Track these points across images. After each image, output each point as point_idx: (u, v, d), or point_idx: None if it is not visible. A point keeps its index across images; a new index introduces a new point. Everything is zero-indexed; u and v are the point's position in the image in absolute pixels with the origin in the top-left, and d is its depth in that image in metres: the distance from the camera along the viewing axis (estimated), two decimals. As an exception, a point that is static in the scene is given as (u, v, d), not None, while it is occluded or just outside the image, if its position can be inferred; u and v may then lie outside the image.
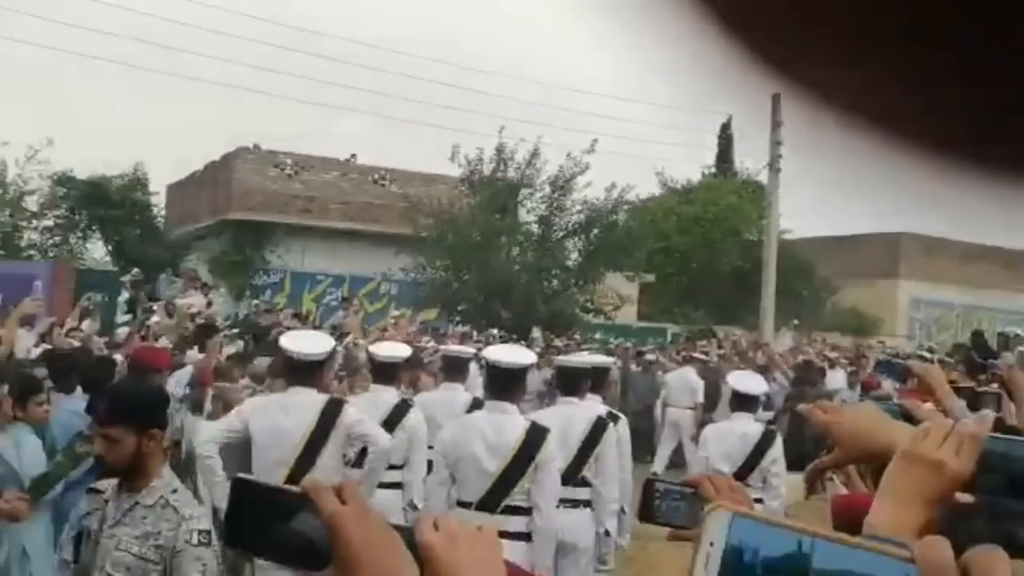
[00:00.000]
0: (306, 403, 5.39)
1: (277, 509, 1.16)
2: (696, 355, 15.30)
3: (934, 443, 1.50)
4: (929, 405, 3.32)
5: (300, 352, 5.51)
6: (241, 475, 1.21)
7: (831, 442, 1.86)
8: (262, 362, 8.26)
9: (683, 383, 14.05)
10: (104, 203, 27.40)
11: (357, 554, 1.12)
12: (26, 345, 7.13)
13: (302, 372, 5.49)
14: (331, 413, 5.40)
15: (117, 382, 4.17)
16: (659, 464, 14.12)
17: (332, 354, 6.05)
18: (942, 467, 1.47)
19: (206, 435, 5.54)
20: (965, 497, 1.50)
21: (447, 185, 24.90)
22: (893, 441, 1.70)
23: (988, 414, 3.26)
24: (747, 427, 6.84)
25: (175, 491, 3.62)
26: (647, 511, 1.96)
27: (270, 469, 5.13)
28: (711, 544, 1.12)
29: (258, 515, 1.15)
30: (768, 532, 1.14)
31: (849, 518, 1.85)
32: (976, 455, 1.49)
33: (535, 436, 5.20)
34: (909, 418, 3.06)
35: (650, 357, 16.89)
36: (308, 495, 1.15)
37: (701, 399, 13.90)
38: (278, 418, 5.34)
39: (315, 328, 15.31)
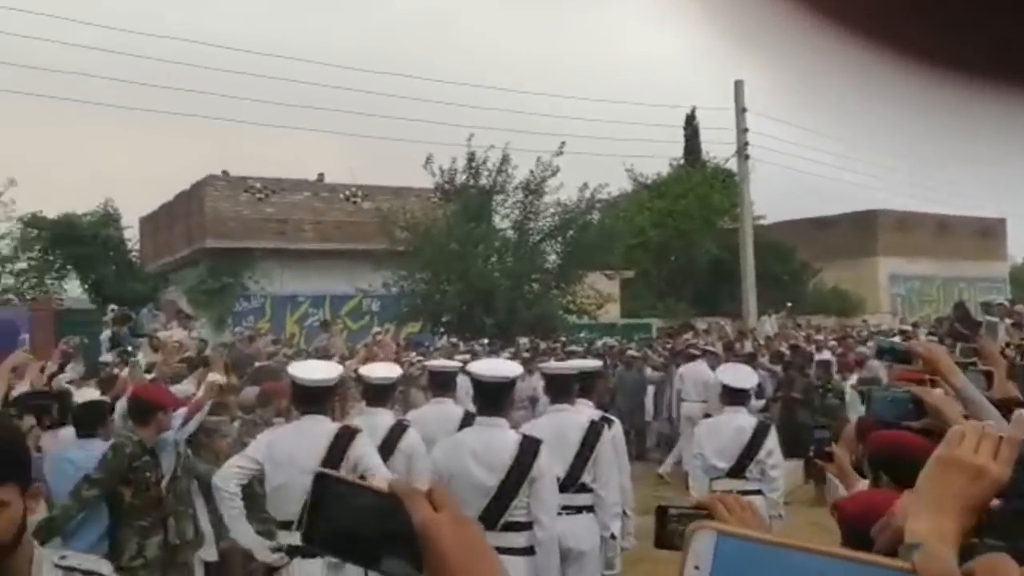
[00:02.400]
0: (319, 431, 5.44)
1: (361, 509, 1.12)
2: (709, 348, 15.27)
3: (970, 447, 1.46)
4: (939, 391, 3.24)
5: (311, 380, 5.56)
6: (323, 470, 1.16)
7: None
8: (250, 391, 8.20)
9: (695, 377, 14.00)
10: (76, 241, 27.23)
11: (452, 563, 1.08)
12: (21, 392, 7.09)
13: (313, 399, 5.55)
14: (342, 444, 5.40)
15: None
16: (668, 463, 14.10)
17: (341, 380, 6.12)
18: (983, 472, 1.43)
19: (225, 471, 5.51)
20: (993, 502, 1.46)
21: (418, 197, 24.85)
22: None
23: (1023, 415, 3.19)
24: (741, 421, 6.81)
25: (64, 556, 2.65)
26: (663, 538, 1.93)
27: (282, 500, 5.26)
28: (696, 568, 1.06)
29: (341, 513, 1.11)
30: (760, 552, 1.08)
31: (864, 519, 1.81)
32: (1014, 459, 1.45)
33: (528, 450, 5.15)
34: (919, 405, 3.02)
35: (633, 354, 16.83)
36: (397, 498, 1.11)
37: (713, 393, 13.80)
38: (291, 447, 5.36)
39: (299, 351, 15.31)
